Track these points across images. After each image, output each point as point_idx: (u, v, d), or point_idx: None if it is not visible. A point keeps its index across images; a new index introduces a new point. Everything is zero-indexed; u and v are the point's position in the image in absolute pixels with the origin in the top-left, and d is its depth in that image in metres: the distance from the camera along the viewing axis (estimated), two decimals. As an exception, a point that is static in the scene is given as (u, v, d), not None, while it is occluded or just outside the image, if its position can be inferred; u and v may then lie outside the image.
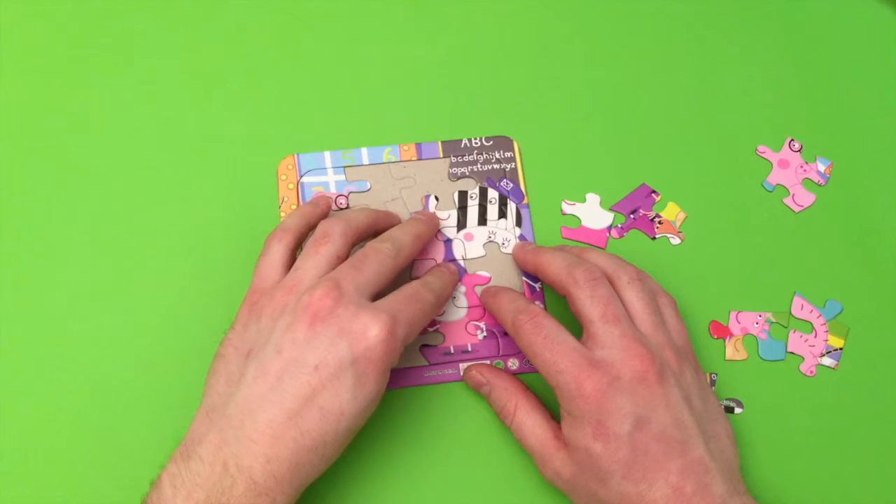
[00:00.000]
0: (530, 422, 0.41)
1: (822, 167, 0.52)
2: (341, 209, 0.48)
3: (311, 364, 0.36)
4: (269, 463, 0.34)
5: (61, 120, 0.50)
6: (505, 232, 0.49)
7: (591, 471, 0.38)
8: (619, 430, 0.37)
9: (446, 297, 0.44)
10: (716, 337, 0.47)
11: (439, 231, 0.48)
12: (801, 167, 0.52)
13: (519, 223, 0.49)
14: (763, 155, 0.52)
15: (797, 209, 0.51)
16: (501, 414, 0.43)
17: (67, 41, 0.52)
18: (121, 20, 0.53)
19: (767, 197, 0.51)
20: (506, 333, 0.46)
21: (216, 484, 0.34)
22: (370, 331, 0.36)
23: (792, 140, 0.52)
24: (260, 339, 0.38)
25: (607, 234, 0.49)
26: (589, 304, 0.40)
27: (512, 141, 0.51)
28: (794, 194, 0.51)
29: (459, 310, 0.47)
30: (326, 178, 0.49)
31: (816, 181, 0.51)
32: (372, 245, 0.41)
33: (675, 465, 0.37)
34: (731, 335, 0.48)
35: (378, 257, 0.40)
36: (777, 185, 0.51)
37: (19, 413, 0.44)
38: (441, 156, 0.50)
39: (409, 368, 0.46)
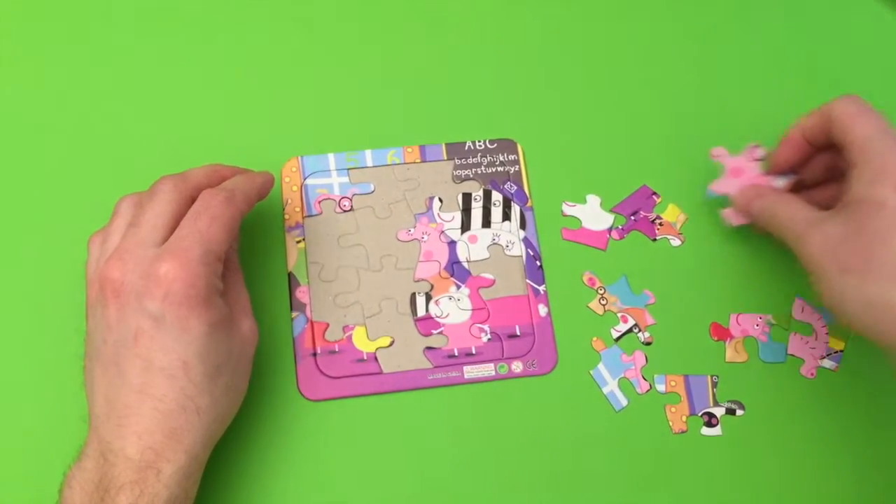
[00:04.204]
0: (783, 206, 0.43)
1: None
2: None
3: (131, 337, 0.36)
4: (141, 438, 0.36)
5: (61, 120, 0.50)
6: (509, 234, 0.49)
7: (874, 225, 0.38)
8: None
9: (249, 191, 0.42)
10: (716, 339, 0.48)
11: (442, 233, 0.48)
12: None
13: (523, 226, 0.49)
14: None
15: (797, 211, 0.51)
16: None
17: (68, 41, 0.52)
18: (123, 21, 0.52)
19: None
20: (511, 336, 0.47)
21: (100, 472, 0.36)
22: (161, 275, 0.36)
23: None
24: (90, 339, 0.39)
25: (608, 236, 0.49)
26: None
27: (516, 144, 0.51)
28: (793, 197, 0.51)
29: (463, 312, 0.47)
30: (330, 181, 0.49)
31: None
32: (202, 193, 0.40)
33: None
34: (732, 337, 0.48)
35: (163, 196, 0.39)
36: None
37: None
38: (445, 158, 0.50)
39: (413, 371, 0.46)
